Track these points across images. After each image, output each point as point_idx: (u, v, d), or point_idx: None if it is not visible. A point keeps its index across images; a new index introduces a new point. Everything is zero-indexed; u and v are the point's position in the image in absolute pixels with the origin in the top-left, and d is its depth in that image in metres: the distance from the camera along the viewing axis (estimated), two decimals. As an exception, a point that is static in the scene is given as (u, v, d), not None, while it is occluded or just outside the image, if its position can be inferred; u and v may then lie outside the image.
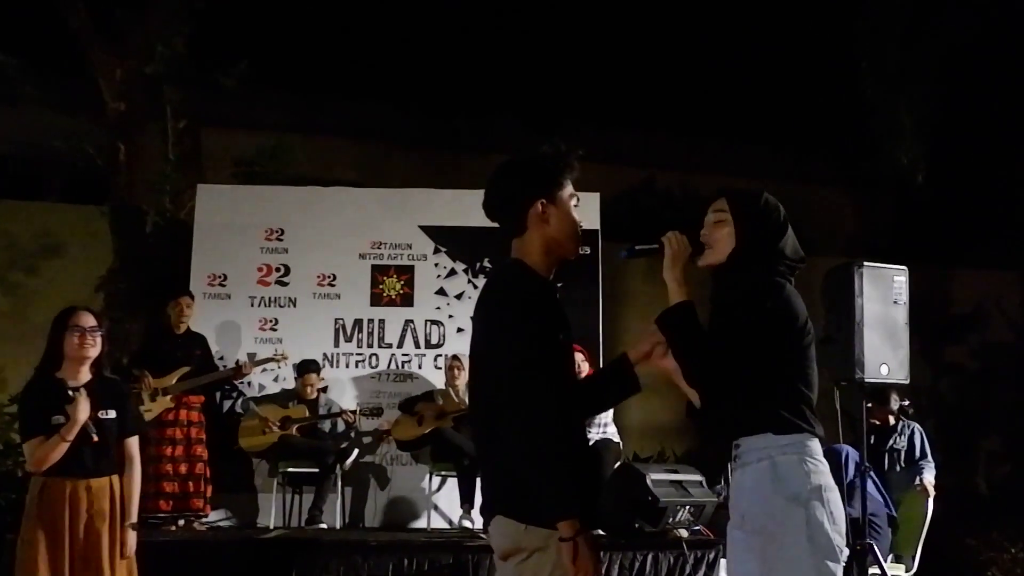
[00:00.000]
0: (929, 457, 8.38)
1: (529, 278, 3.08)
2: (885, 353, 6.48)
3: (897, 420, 8.59)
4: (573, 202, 3.20)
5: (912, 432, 8.47)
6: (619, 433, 9.06)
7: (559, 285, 3.23)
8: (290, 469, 9.07)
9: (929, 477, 8.21)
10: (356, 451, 9.31)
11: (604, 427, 8.76)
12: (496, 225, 3.24)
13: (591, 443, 8.56)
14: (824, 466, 3.18)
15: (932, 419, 12.07)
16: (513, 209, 3.15)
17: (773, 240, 3.33)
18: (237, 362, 9.10)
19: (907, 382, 6.72)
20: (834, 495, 3.15)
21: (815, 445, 3.20)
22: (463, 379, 9.10)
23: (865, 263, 6.52)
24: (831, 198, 14.95)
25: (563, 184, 3.18)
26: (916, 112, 13.80)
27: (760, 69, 14.85)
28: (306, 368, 9.32)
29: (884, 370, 6.48)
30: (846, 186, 14.85)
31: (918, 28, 13.85)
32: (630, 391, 3.41)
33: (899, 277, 6.63)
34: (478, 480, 7.52)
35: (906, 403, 8.67)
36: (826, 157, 14.88)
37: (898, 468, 8.41)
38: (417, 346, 9.99)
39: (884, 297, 6.51)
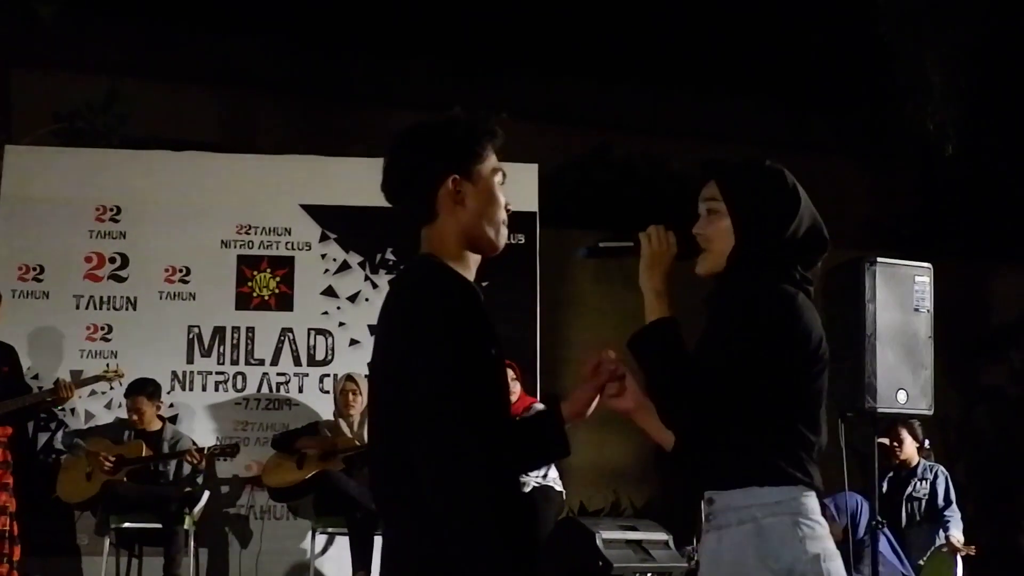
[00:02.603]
0: (955, 506, 8.60)
1: (450, 277, 3.11)
2: (903, 375, 6.62)
3: (917, 461, 8.80)
4: (497, 178, 3.23)
5: (935, 476, 8.68)
6: (562, 479, 9.16)
7: (484, 284, 3.28)
8: (125, 524, 9.03)
9: (957, 533, 8.42)
10: (207, 494, 9.30)
11: (543, 472, 8.84)
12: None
13: (526, 492, 8.66)
14: (823, 528, 3.21)
15: (963, 459, 12.34)
16: (418, 188, 3.18)
17: (780, 227, 3.35)
18: (57, 381, 9.03)
19: (931, 412, 6.88)
20: (836, 565, 3.20)
21: (811, 502, 3.24)
22: (359, 406, 9.13)
23: (878, 259, 6.65)
24: (836, 171, 15.17)
25: (482, 155, 3.21)
26: (947, 62, 13.99)
27: (744, 3, 14.97)
28: (134, 389, 9.24)
29: (902, 397, 6.62)
30: (855, 157, 15.09)
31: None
32: (555, 455, 3.47)
33: (921, 277, 6.78)
34: (377, 539, 7.56)
35: (926, 442, 8.89)
36: (831, 118, 15.10)
37: (918, 520, 8.63)
38: (297, 363, 9.99)
39: (902, 303, 6.66)
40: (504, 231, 3.24)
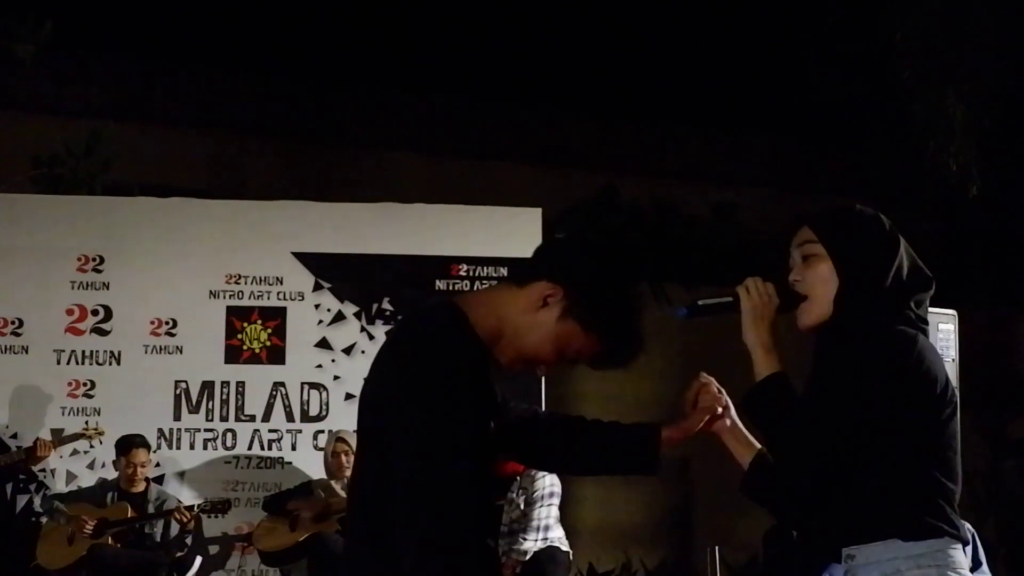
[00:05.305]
0: (984, 567, 8.58)
1: (468, 337, 3.02)
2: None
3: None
4: (576, 343, 3.16)
5: (962, 535, 8.69)
6: (569, 539, 9.15)
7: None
8: (110, 592, 9.02)
9: (987, 597, 8.41)
10: (199, 560, 9.30)
11: (546, 531, 8.83)
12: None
13: (530, 555, 8.66)
14: None
15: (992, 516, 12.32)
16: (539, 262, 3.17)
17: (886, 266, 3.35)
18: (36, 441, 9.04)
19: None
20: None
21: (958, 555, 3.25)
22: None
23: (900, 306, 6.68)
24: (855, 215, 15.21)
25: (592, 324, 3.13)
26: (970, 98, 14.04)
27: (756, 39, 15.05)
28: (129, 444, 9.23)
29: (926, 451, 6.63)
30: (873, 199, 15.03)
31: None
32: (642, 470, 3.46)
33: (946, 324, 6.82)
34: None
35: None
36: (847, 160, 15.17)
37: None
38: (290, 419, 9.99)
39: (926, 352, 6.69)
40: (521, 368, 3.18)
